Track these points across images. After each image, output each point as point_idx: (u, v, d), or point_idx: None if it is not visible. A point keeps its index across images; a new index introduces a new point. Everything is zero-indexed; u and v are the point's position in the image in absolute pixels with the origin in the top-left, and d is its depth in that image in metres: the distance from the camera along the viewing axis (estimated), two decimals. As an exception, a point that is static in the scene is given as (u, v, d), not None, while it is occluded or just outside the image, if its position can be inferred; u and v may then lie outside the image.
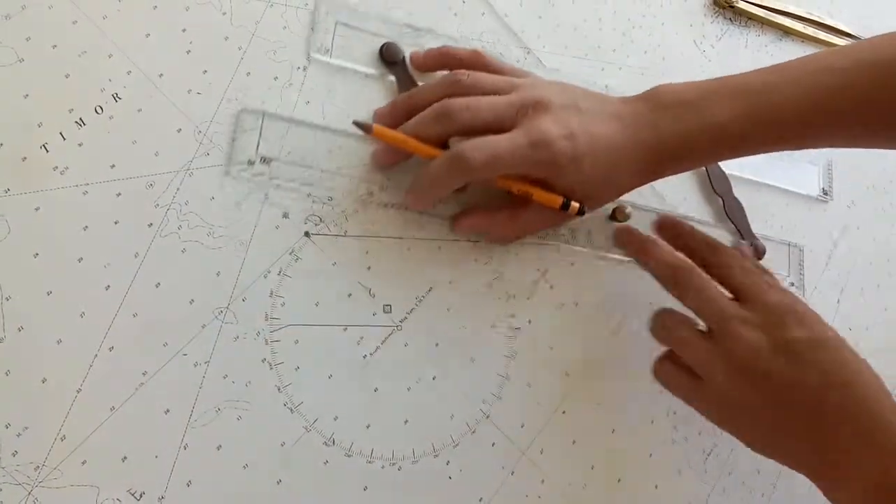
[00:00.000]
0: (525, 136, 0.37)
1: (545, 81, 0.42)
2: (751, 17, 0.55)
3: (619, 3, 0.50)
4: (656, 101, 0.41)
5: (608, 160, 0.40)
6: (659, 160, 0.41)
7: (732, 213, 0.49)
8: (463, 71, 0.40)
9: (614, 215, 0.46)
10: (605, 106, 0.41)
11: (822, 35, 0.57)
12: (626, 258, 0.46)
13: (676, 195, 0.49)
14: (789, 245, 0.52)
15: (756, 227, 0.50)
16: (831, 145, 0.42)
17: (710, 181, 0.49)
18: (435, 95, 0.39)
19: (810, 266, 0.52)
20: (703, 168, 0.50)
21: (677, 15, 0.52)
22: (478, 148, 0.37)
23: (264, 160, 0.38)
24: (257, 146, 0.38)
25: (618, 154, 0.40)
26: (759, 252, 0.49)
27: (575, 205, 0.40)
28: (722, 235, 0.49)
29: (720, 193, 0.49)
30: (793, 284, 0.51)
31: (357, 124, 0.37)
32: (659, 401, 0.45)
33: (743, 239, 0.50)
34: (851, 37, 0.59)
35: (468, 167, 0.37)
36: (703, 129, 0.40)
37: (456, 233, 0.42)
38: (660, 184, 0.45)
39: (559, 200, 0.40)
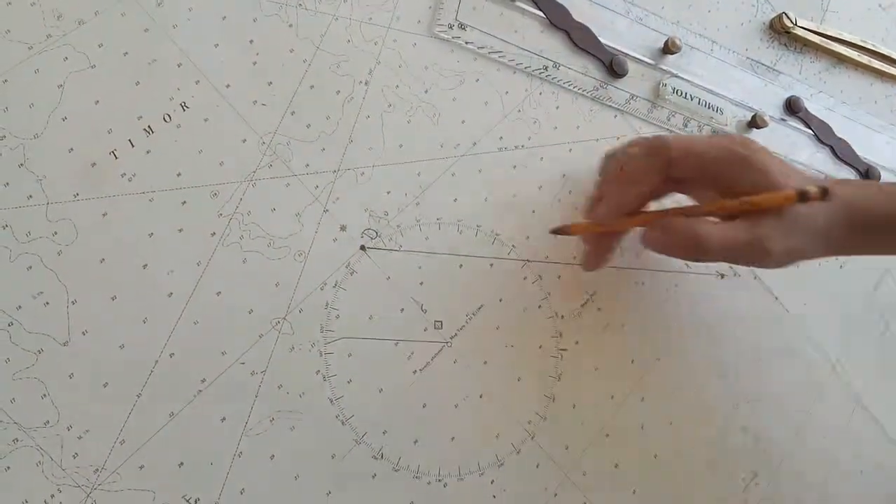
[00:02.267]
0: (724, 136, 0.38)
1: None
2: (805, 44, 0.54)
3: (681, 26, 0.50)
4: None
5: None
6: (860, 221, 0.39)
7: (843, 153, 0.53)
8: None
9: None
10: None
11: (875, 63, 0.56)
12: (674, 283, 0.46)
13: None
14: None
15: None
16: None
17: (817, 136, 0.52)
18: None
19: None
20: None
21: (733, 39, 0.52)
22: (676, 136, 0.37)
23: (462, 25, 0.42)
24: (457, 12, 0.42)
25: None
26: (874, 178, 0.52)
27: (813, 189, 0.34)
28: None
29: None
30: None
31: (554, 231, 0.41)
32: (701, 426, 0.45)
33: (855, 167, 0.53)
34: (904, 65, 0.58)
35: (662, 144, 0.36)
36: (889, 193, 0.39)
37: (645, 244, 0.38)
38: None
39: (792, 193, 0.34)
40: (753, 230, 0.35)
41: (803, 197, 0.34)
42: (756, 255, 0.36)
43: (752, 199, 0.36)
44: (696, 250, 0.36)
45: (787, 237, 0.36)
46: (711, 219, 0.37)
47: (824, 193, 0.34)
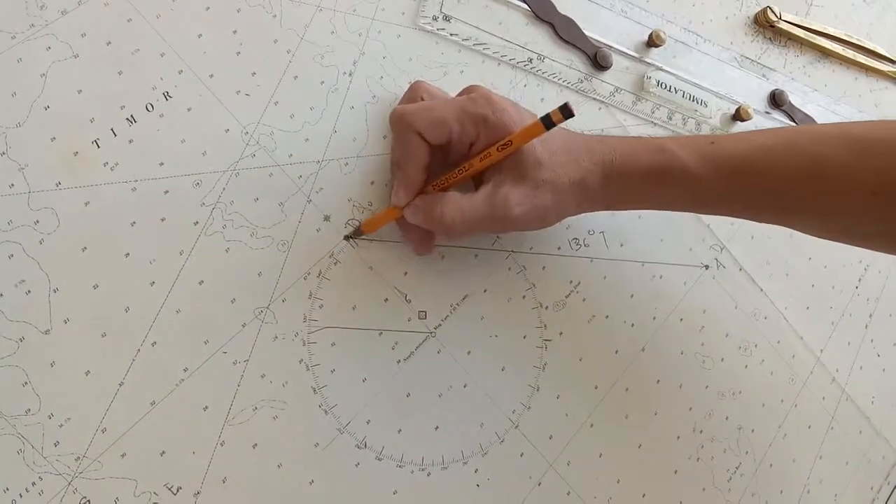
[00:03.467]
0: (463, 98, 0.36)
1: None
2: (790, 38, 0.55)
3: (666, 19, 0.50)
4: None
5: (559, 140, 0.37)
6: (616, 178, 0.38)
7: None
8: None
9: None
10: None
11: (860, 58, 0.57)
12: (659, 274, 0.46)
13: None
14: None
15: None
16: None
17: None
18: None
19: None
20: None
21: (717, 33, 0.52)
22: (416, 105, 0.36)
23: (446, 17, 0.42)
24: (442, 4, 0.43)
25: (577, 159, 0.37)
26: None
27: (557, 112, 0.33)
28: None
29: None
30: None
31: (348, 238, 0.39)
32: (685, 417, 0.45)
33: None
34: (889, 60, 0.58)
35: (406, 115, 0.36)
36: (661, 158, 0.38)
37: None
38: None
39: (539, 124, 0.34)
40: (495, 197, 0.35)
41: (548, 122, 0.33)
42: (501, 221, 0.36)
43: (497, 147, 0.35)
44: (443, 229, 0.36)
45: (529, 197, 0.36)
46: (455, 195, 0.36)
47: (566, 109, 0.33)
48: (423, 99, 0.39)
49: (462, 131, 0.36)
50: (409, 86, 0.40)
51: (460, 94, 0.39)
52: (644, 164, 0.38)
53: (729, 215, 0.41)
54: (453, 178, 0.37)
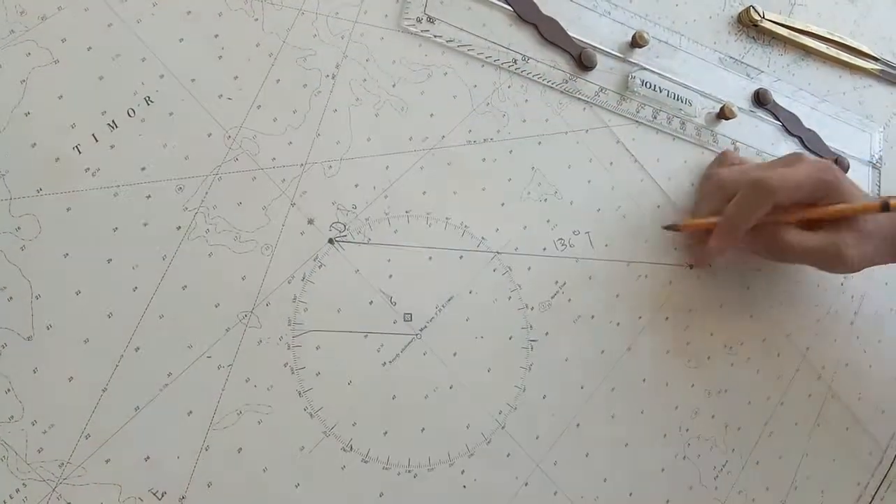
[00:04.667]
0: (812, 164, 0.43)
1: None
2: (774, 37, 0.55)
3: (649, 20, 0.50)
4: None
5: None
6: None
7: (811, 144, 0.54)
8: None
9: None
10: None
11: (844, 56, 0.57)
12: (644, 273, 0.46)
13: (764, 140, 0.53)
14: (870, 163, 0.57)
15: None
16: None
17: (785, 127, 0.54)
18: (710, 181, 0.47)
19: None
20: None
21: (701, 33, 0.52)
22: (776, 172, 0.42)
23: (430, 19, 0.43)
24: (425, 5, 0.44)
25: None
26: (844, 166, 0.55)
27: (893, 200, 0.41)
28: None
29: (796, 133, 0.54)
30: None
31: (666, 227, 0.46)
32: (672, 416, 0.45)
33: (824, 158, 0.54)
34: (873, 58, 0.59)
35: (770, 188, 0.41)
36: None
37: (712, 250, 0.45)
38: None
39: (875, 203, 0.41)
40: (830, 237, 0.43)
41: (885, 207, 0.41)
42: (832, 258, 0.43)
43: (842, 206, 0.43)
44: (781, 253, 0.44)
45: (859, 244, 0.43)
46: (796, 228, 0.44)
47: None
48: (735, 163, 0.48)
49: (811, 196, 0.43)
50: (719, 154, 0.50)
51: (785, 159, 0.46)
52: None
53: None
54: (786, 218, 0.44)
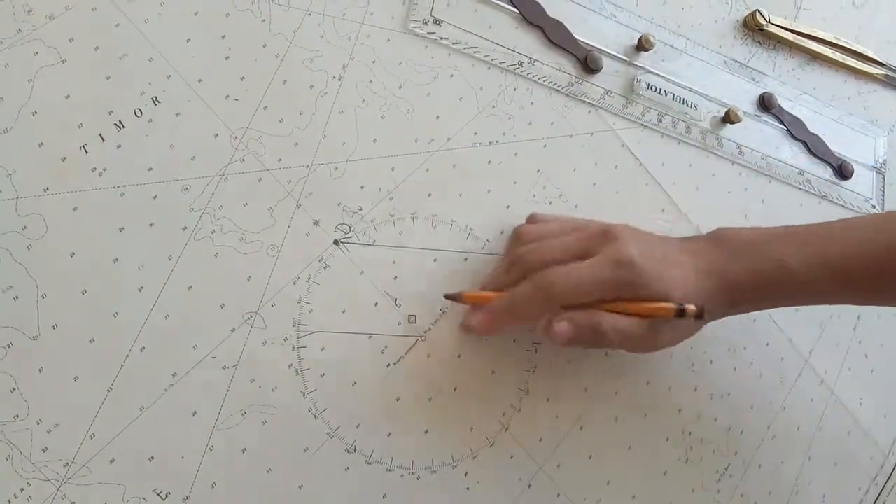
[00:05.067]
0: (605, 258, 0.37)
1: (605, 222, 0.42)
2: (779, 41, 0.55)
3: (655, 23, 0.50)
4: (721, 240, 0.41)
5: (695, 283, 0.39)
6: (734, 292, 0.40)
7: (816, 148, 0.54)
8: (524, 224, 0.43)
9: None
10: (669, 242, 0.41)
11: (850, 61, 0.57)
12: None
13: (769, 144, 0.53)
14: (875, 168, 0.57)
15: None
16: None
17: (790, 132, 0.53)
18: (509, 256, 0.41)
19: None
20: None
21: (707, 37, 0.52)
22: (562, 272, 0.37)
23: (436, 21, 0.43)
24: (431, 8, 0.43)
25: (699, 282, 0.39)
26: (848, 171, 0.54)
27: (691, 307, 0.37)
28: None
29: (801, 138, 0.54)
30: (874, 207, 0.55)
31: (448, 296, 0.40)
32: (675, 419, 0.45)
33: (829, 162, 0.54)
34: (878, 63, 0.59)
35: (552, 291, 0.37)
36: (772, 270, 0.40)
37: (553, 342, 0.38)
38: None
39: (672, 307, 0.37)
40: (646, 326, 0.38)
41: (681, 313, 0.37)
42: (646, 346, 0.40)
43: (636, 307, 0.38)
44: (601, 342, 0.38)
45: (674, 331, 0.40)
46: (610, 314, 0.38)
47: (699, 314, 0.37)
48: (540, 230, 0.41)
49: (602, 297, 0.37)
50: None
51: (591, 232, 0.39)
52: (765, 287, 0.40)
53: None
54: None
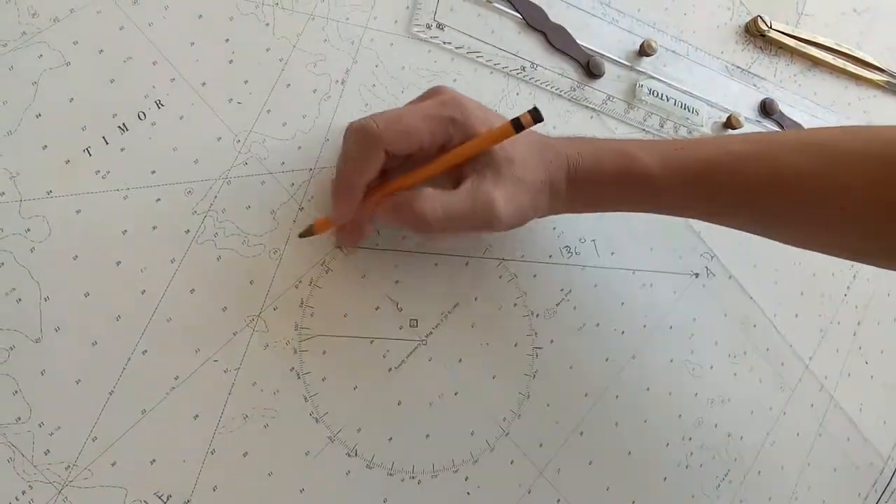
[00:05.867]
0: (432, 101, 0.36)
1: None
2: (781, 47, 0.55)
3: (657, 28, 0.51)
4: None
5: (528, 140, 0.37)
6: (571, 170, 0.38)
7: None
8: None
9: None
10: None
11: (850, 67, 0.57)
12: (649, 282, 0.47)
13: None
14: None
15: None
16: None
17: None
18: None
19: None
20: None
21: (708, 42, 0.52)
22: (382, 115, 0.35)
23: (439, 25, 0.43)
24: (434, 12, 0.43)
25: (534, 146, 0.37)
26: None
27: (525, 115, 0.34)
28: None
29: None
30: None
31: (301, 235, 0.37)
32: (675, 425, 0.46)
33: None
34: (879, 69, 0.59)
35: (371, 133, 0.34)
36: (614, 151, 0.38)
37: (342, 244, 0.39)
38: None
39: (507, 127, 0.34)
40: (477, 195, 0.35)
41: (518, 125, 0.34)
42: (485, 219, 0.35)
43: (469, 143, 0.35)
44: (423, 226, 0.34)
45: (511, 196, 0.36)
46: (433, 192, 0.35)
47: (535, 114, 0.34)
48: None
49: (432, 139, 0.35)
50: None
51: (424, 95, 0.38)
52: (607, 169, 0.38)
53: (698, 219, 0.41)
54: (414, 178, 0.36)
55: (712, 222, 0.41)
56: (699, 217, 0.41)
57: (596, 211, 0.42)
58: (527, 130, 0.35)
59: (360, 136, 0.34)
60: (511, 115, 0.35)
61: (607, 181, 0.38)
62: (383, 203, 0.36)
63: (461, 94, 0.37)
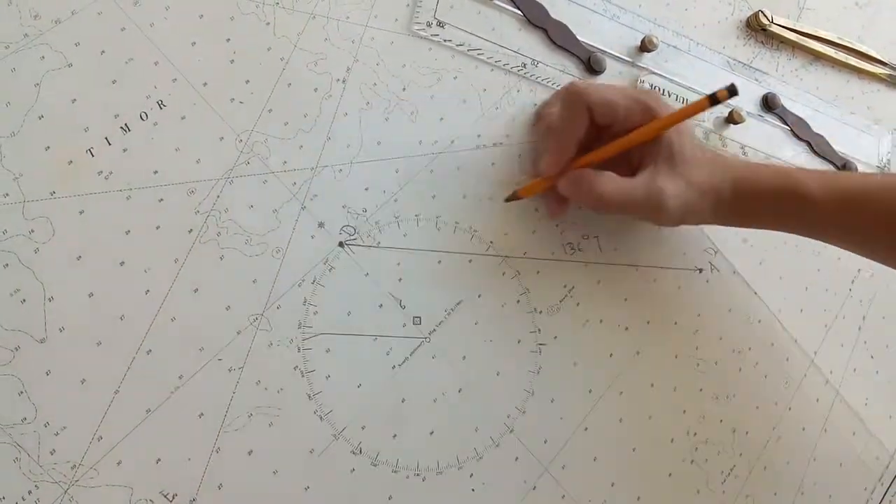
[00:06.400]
0: (633, 88, 0.41)
1: None
2: (782, 41, 0.55)
3: (658, 24, 0.50)
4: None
5: (699, 147, 0.41)
6: (739, 182, 0.41)
7: (820, 148, 0.54)
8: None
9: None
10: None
11: (852, 61, 0.57)
12: (653, 277, 0.46)
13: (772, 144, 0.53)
14: (879, 168, 0.57)
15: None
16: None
17: (794, 132, 0.53)
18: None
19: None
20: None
21: (710, 37, 0.52)
22: (590, 83, 0.40)
23: (440, 23, 0.43)
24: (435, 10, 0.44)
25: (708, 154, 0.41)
26: (851, 170, 0.54)
27: (724, 91, 0.36)
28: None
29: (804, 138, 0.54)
30: None
31: (508, 199, 0.42)
32: (680, 420, 0.45)
33: (833, 162, 0.54)
34: (881, 62, 0.59)
35: (581, 90, 0.39)
36: (779, 174, 0.41)
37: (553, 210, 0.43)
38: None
39: (703, 100, 0.37)
40: (652, 185, 0.39)
41: (714, 99, 0.36)
42: (653, 207, 0.39)
43: (670, 115, 0.39)
44: (599, 204, 0.39)
45: (681, 192, 0.39)
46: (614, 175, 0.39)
47: (732, 89, 0.36)
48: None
49: (627, 116, 0.39)
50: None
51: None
52: (770, 185, 0.41)
53: (847, 248, 0.44)
54: (604, 153, 0.40)
55: (861, 254, 0.45)
56: (848, 245, 0.44)
57: (750, 227, 0.44)
58: (699, 144, 0.41)
59: (569, 93, 0.40)
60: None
61: (767, 197, 0.41)
62: (568, 173, 0.40)
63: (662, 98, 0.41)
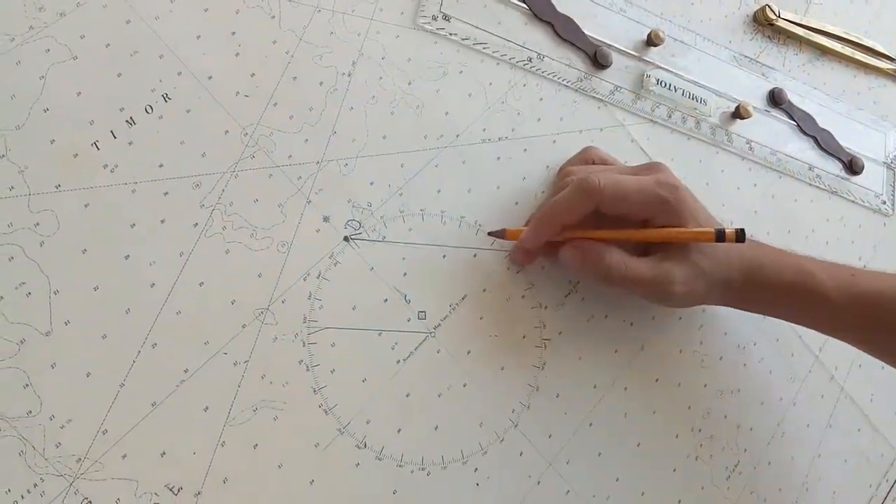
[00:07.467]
0: (652, 178, 0.39)
1: None
2: (789, 36, 0.55)
3: (665, 18, 0.50)
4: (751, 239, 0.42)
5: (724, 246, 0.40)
6: (755, 272, 0.41)
7: (826, 143, 0.53)
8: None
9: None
10: None
11: (859, 56, 0.57)
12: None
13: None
14: (885, 164, 0.56)
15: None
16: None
17: (800, 127, 0.53)
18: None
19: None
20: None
21: (716, 32, 0.52)
22: (607, 174, 0.38)
23: (446, 17, 0.43)
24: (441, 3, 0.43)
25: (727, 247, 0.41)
26: (858, 167, 0.54)
27: (730, 230, 0.37)
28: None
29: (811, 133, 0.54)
30: (884, 202, 0.55)
31: (491, 234, 0.41)
32: (684, 416, 0.45)
33: (839, 158, 0.54)
34: (888, 57, 0.58)
35: (594, 188, 0.37)
36: (796, 267, 0.41)
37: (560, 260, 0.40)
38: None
39: (710, 232, 0.38)
40: (660, 269, 0.39)
41: (720, 236, 0.38)
42: (659, 292, 0.40)
43: (671, 231, 0.39)
44: (603, 277, 0.39)
45: (689, 280, 0.39)
46: (622, 252, 0.39)
47: (740, 235, 0.37)
48: (594, 163, 0.43)
49: (640, 210, 0.39)
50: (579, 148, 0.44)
51: (643, 167, 0.41)
52: (786, 281, 0.41)
53: (855, 346, 0.45)
54: (610, 237, 0.39)
55: (879, 356, 0.45)
56: (859, 344, 0.45)
57: (763, 314, 0.45)
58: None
59: (582, 189, 0.38)
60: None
61: (782, 292, 0.42)
62: (573, 242, 0.39)
63: (679, 180, 0.40)
